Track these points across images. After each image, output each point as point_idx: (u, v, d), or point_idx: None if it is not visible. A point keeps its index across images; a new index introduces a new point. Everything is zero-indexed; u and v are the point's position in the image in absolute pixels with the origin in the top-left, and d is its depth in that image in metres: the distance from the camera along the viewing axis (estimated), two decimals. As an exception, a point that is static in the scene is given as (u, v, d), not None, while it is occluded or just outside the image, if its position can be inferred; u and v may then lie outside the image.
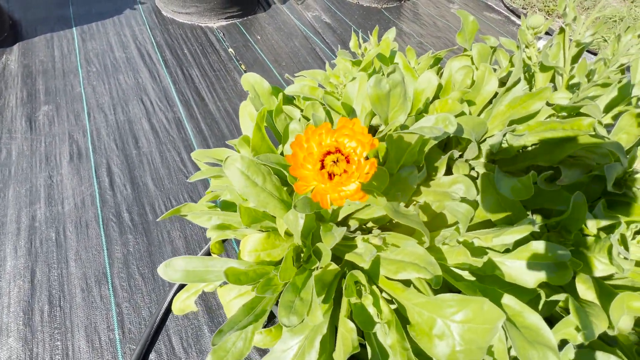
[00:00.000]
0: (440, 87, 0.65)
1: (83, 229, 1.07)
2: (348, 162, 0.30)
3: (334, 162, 0.30)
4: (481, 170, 0.57)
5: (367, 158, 0.31)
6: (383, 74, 0.49)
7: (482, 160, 0.63)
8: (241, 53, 1.76)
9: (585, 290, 0.47)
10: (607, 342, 0.48)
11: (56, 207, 1.11)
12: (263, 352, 0.87)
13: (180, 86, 1.54)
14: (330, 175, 0.30)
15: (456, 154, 0.54)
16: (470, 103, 0.60)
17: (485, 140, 0.62)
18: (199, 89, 1.54)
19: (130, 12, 1.92)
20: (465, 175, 0.55)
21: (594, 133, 0.51)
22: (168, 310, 0.94)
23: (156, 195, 1.18)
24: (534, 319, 0.40)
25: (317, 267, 0.44)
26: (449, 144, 0.69)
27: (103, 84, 1.50)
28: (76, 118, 1.35)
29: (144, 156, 1.28)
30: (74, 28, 1.76)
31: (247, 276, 0.41)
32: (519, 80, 0.53)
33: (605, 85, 0.49)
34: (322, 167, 0.30)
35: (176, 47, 1.74)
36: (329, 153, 0.31)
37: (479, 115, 0.62)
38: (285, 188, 0.51)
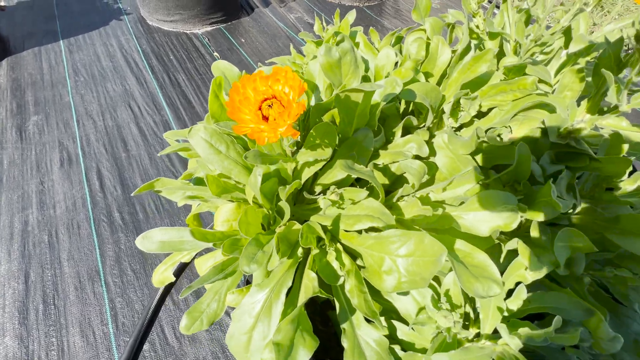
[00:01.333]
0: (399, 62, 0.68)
1: (75, 230, 1.10)
2: (283, 106, 0.34)
3: (269, 106, 0.34)
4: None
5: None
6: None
7: (445, 129, 0.66)
8: (226, 56, 1.80)
9: (536, 235, 0.49)
10: (561, 284, 0.51)
11: (48, 211, 1.14)
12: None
13: (167, 90, 1.58)
14: (266, 118, 0.34)
15: (414, 120, 0.57)
16: (428, 75, 0.64)
17: (443, 109, 0.65)
18: (185, 92, 1.58)
19: (116, 23, 1.96)
20: (425, 140, 0.58)
21: (539, 91, 0.55)
22: (161, 302, 0.97)
23: (146, 195, 1.21)
24: (482, 257, 0.42)
25: (280, 226, 0.47)
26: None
27: (91, 92, 1.54)
28: (65, 126, 1.39)
29: (133, 158, 1.31)
30: (61, 41, 1.81)
31: (214, 236, 0.44)
32: (468, 47, 0.57)
33: (543, 44, 0.52)
34: (259, 110, 0.34)
35: (162, 54, 1.78)
36: (266, 99, 0.34)
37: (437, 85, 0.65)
38: (251, 159, 0.54)
